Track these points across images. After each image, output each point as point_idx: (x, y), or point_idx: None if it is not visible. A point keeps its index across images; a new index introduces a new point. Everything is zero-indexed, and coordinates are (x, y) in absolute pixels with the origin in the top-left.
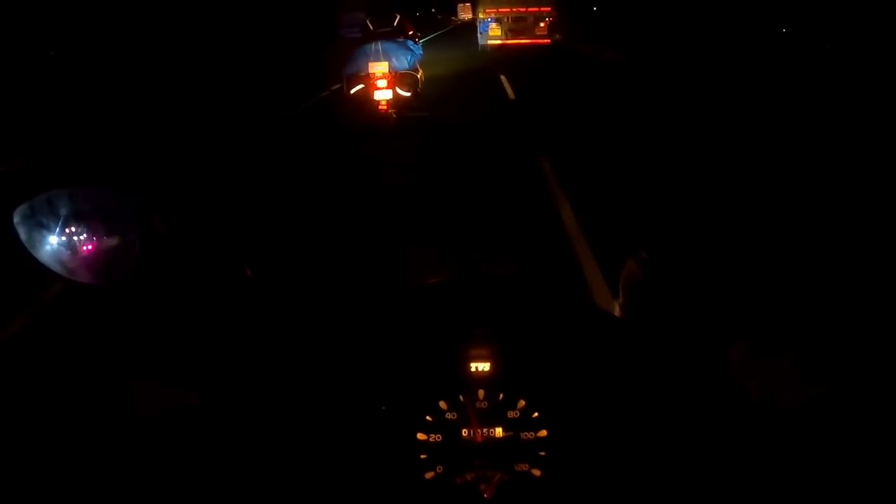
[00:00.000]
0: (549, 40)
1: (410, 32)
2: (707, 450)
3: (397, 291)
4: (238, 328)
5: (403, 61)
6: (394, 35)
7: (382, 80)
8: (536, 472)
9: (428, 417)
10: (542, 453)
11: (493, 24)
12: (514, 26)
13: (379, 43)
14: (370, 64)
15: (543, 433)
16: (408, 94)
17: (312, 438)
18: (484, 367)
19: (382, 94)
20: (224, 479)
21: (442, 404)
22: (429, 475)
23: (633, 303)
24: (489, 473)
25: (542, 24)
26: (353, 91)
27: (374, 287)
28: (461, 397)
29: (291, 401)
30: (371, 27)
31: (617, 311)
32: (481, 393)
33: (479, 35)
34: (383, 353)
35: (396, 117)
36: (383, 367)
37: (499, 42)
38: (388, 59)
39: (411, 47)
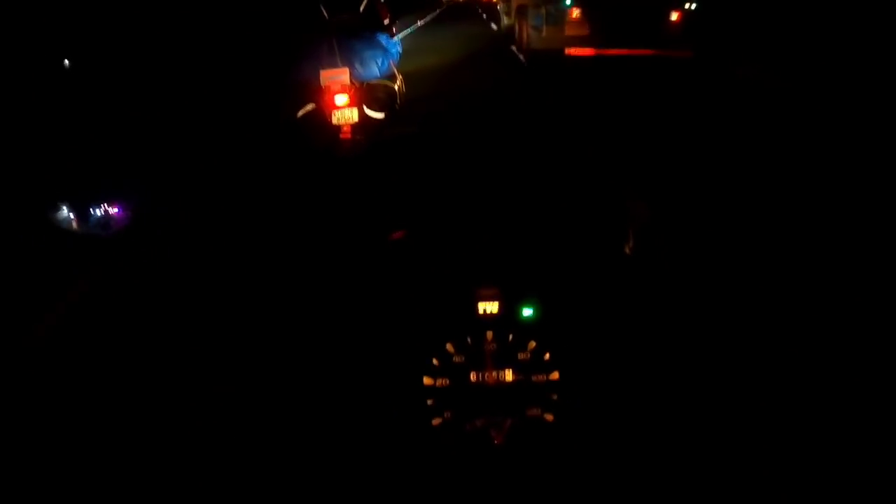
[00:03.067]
0: (685, 51)
1: (386, 21)
2: (715, 388)
3: (404, 236)
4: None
5: (372, 66)
6: (358, 27)
7: (342, 96)
8: (548, 417)
9: (435, 361)
10: (554, 397)
11: (566, 12)
12: (612, 19)
13: (334, 40)
14: (323, 73)
15: (555, 375)
16: (379, 114)
17: (317, 385)
18: (492, 308)
19: (343, 116)
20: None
21: (449, 347)
22: (436, 421)
23: (641, 242)
24: (499, 419)
25: (672, 18)
26: (301, 113)
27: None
28: (469, 339)
29: (296, 345)
30: (325, 14)
31: (626, 251)
32: (490, 335)
33: (527, 30)
34: (389, 296)
35: (366, 145)
36: (388, 310)
37: (577, 49)
38: (348, 63)
39: (384, 44)
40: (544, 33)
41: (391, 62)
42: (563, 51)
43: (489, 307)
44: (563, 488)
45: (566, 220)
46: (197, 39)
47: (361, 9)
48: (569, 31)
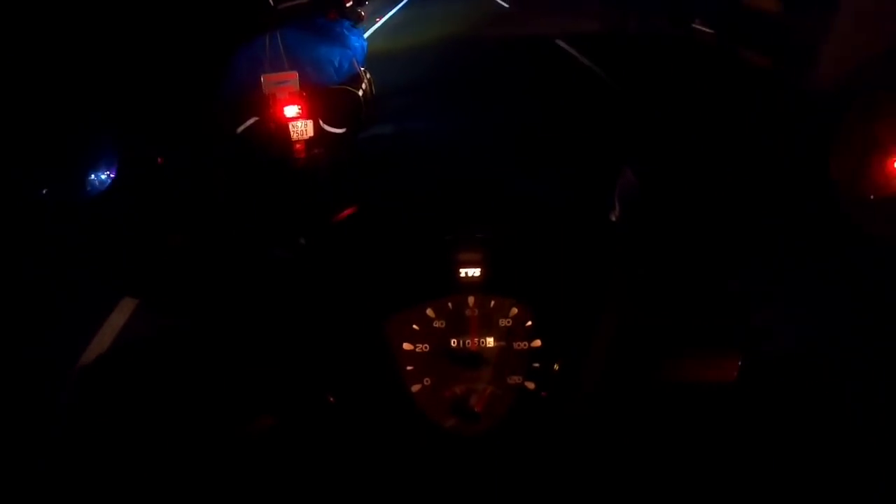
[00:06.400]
0: None
1: (349, 3)
2: (702, 363)
3: (385, 197)
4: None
5: (327, 67)
6: (311, 14)
7: (292, 107)
8: (530, 385)
9: (415, 326)
10: (536, 365)
11: None
12: None
13: (278, 35)
14: (265, 78)
15: (537, 343)
16: (339, 129)
17: (297, 351)
18: (474, 272)
19: (296, 130)
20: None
21: (429, 312)
22: (416, 388)
23: (628, 211)
24: (480, 386)
25: None
26: (241, 129)
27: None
28: (449, 304)
29: (278, 313)
30: None
31: (613, 219)
32: (471, 300)
33: None
34: (368, 260)
35: (327, 158)
36: (368, 274)
37: None
38: (297, 64)
39: (345, 37)
40: None
41: (354, 60)
42: None
43: (471, 271)
44: (544, 457)
45: (551, 187)
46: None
47: None
48: None
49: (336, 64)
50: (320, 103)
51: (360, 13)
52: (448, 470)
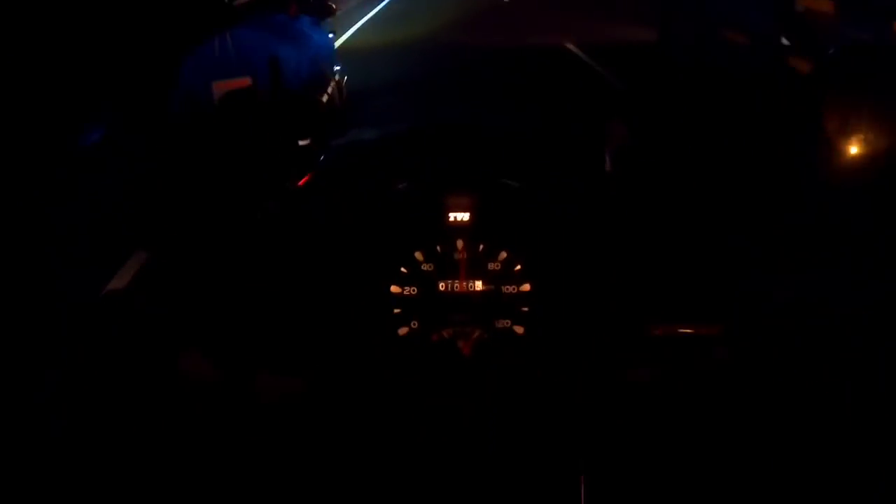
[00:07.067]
0: None
1: None
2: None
3: (373, 140)
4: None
5: (284, 72)
6: (270, 8)
7: (246, 116)
8: (518, 329)
9: (403, 269)
10: (525, 309)
11: None
12: None
13: (227, 36)
14: (215, 85)
15: (526, 287)
16: (303, 141)
17: (288, 290)
18: (463, 216)
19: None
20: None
21: (418, 255)
22: (403, 331)
23: (619, 161)
24: (467, 329)
25: None
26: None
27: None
28: (438, 248)
29: (269, 252)
30: None
31: (605, 168)
32: (460, 243)
33: None
34: (357, 202)
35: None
36: (357, 216)
37: None
38: (250, 67)
39: (305, 35)
40: None
41: (318, 62)
42: None
43: (460, 215)
44: (530, 400)
45: (542, 135)
46: None
47: None
48: None
49: (294, 67)
50: (277, 113)
51: (330, 6)
52: (435, 414)
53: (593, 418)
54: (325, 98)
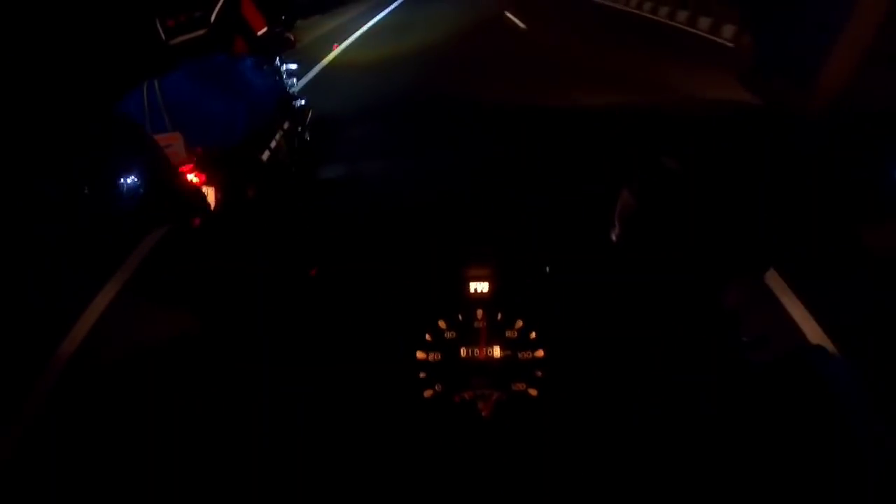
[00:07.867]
0: None
1: (261, 32)
2: (693, 372)
3: (399, 215)
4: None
5: (214, 128)
6: (211, 48)
7: (191, 174)
8: (533, 392)
9: (427, 337)
10: (539, 373)
11: None
12: None
13: (156, 85)
14: None
15: (540, 353)
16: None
17: (315, 361)
18: (483, 287)
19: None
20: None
21: (441, 323)
22: (428, 393)
23: (628, 231)
24: (487, 392)
25: None
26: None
27: (376, 208)
28: (460, 317)
29: (294, 324)
30: (162, 34)
31: (613, 239)
32: (480, 313)
33: None
34: (385, 274)
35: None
36: (385, 288)
37: None
38: (180, 121)
39: (247, 79)
40: None
41: (261, 112)
42: None
43: (480, 287)
44: (546, 460)
45: (555, 206)
46: None
47: (213, 17)
48: None
49: (227, 121)
50: (219, 168)
51: (288, 38)
52: (456, 470)
53: (603, 472)
54: (265, 155)
